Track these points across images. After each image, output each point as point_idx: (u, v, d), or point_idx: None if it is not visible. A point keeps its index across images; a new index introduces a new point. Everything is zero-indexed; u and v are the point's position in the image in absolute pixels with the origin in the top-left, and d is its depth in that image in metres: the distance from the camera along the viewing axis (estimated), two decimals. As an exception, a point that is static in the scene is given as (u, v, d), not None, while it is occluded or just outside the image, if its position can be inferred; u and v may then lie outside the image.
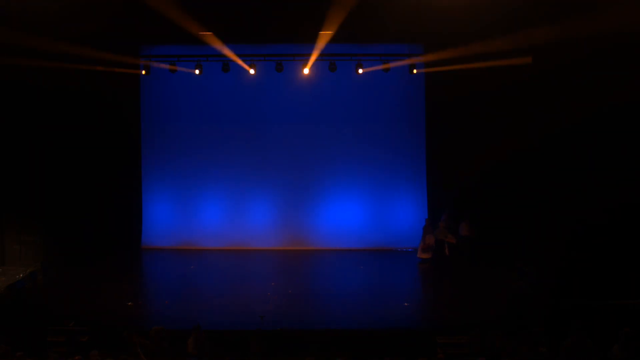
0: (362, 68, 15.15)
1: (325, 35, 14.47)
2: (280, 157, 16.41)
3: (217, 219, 16.54)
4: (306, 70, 15.30)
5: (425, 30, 14.71)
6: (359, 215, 16.46)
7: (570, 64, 13.04)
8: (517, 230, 14.57)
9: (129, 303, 11.87)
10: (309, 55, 15.20)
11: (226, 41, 15.35)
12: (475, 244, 15.03)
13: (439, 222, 15.18)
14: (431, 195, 16.17)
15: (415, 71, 15.25)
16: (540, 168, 14.48)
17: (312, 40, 15.33)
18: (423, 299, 13.06)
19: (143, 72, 15.40)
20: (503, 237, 14.73)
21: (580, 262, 12.81)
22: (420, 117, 16.20)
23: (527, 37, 13.25)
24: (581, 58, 13.00)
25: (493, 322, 10.16)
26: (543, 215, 14.38)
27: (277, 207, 16.54)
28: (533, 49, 13.59)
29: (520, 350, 8.10)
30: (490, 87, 14.49)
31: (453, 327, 10.21)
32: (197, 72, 15.33)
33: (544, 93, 13.91)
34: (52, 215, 15.05)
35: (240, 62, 15.26)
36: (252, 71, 15.31)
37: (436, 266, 14.75)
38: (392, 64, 15.15)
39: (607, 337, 8.23)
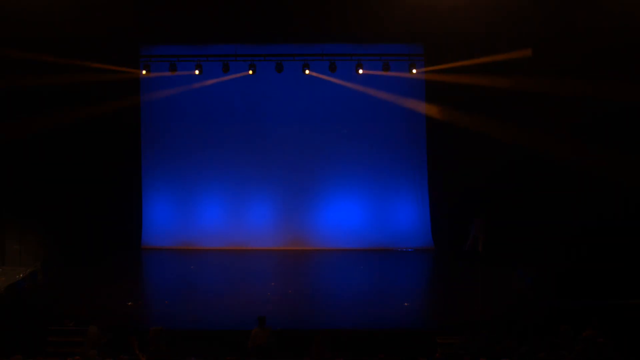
0: (362, 68, 15.14)
1: None
2: (280, 157, 16.38)
3: (217, 219, 16.52)
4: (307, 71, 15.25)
5: (425, 31, 14.72)
6: (359, 215, 16.45)
7: (571, 63, 13.08)
8: (518, 230, 14.58)
9: (129, 303, 11.86)
10: (308, 55, 15.23)
11: (226, 41, 15.38)
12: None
13: (481, 219, 15.27)
14: (433, 195, 16.15)
15: (414, 71, 15.23)
16: (542, 168, 14.50)
17: (313, 40, 15.37)
18: (423, 299, 13.05)
19: (143, 72, 15.40)
20: (504, 237, 14.73)
21: (580, 262, 12.84)
22: (420, 116, 16.17)
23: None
24: (582, 57, 13.04)
25: (493, 322, 10.16)
26: (544, 215, 14.41)
27: (277, 207, 16.53)
28: (534, 48, 13.63)
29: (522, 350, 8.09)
30: (492, 85, 14.48)
31: (453, 327, 10.20)
32: (197, 72, 15.32)
33: (545, 92, 13.92)
34: (52, 215, 15.04)
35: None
36: (250, 72, 15.29)
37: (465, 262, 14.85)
38: (392, 64, 15.14)
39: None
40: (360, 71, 15.14)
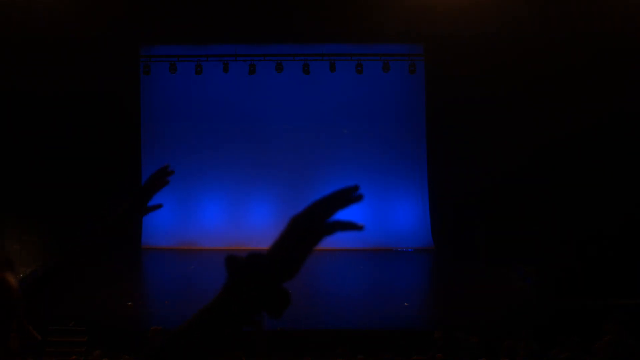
0: (362, 68, 15.14)
1: None
2: (280, 157, 16.39)
3: (218, 219, 16.52)
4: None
5: (425, 31, 14.72)
6: (359, 215, 16.26)
7: (574, 63, 13.07)
8: (519, 229, 14.56)
9: (129, 303, 11.85)
10: (309, 55, 15.23)
11: (226, 41, 15.39)
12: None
13: None
14: (433, 195, 16.14)
15: (415, 71, 15.22)
16: (544, 167, 14.48)
17: (312, 40, 15.37)
18: (423, 299, 13.04)
19: (143, 72, 15.40)
20: (505, 236, 14.71)
21: (582, 261, 12.82)
22: (420, 116, 16.18)
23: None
24: (584, 58, 13.02)
25: (494, 322, 10.16)
26: (545, 215, 14.39)
27: (277, 207, 16.51)
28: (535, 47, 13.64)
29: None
30: (492, 84, 14.46)
31: (453, 327, 10.18)
32: (197, 72, 15.32)
33: (548, 91, 13.91)
34: (52, 215, 15.03)
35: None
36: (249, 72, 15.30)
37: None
38: (392, 64, 15.16)
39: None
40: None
